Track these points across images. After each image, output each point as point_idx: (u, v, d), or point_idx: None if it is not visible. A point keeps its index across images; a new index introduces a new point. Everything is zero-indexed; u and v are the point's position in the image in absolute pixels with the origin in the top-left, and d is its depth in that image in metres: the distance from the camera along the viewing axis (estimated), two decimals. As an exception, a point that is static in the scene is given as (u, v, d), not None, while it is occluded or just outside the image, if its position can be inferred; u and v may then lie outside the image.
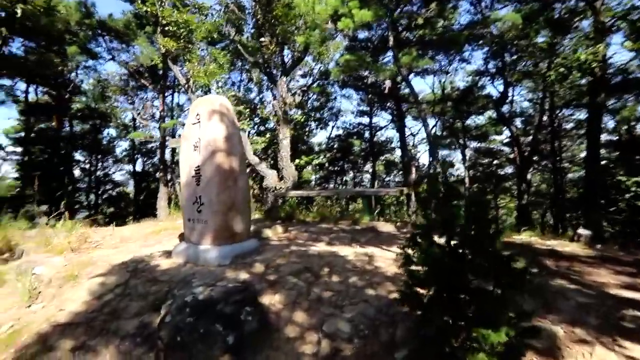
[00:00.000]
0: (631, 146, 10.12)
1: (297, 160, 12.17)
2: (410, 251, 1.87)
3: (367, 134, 21.38)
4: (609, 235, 7.94)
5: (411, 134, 20.71)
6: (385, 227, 5.54)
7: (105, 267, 3.66)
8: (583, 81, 9.37)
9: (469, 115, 17.62)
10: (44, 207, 13.85)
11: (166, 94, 13.53)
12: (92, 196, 17.15)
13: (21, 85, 11.37)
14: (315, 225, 5.81)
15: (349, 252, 3.83)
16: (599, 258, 3.67)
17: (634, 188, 7.54)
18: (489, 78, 14.14)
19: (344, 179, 26.70)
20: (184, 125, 4.69)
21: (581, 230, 4.57)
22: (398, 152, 20.28)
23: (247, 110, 10.85)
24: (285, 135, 9.52)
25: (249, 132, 13.25)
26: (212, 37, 10.34)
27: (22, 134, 12.56)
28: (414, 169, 16.08)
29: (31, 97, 11.74)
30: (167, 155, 12.15)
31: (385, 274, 3.15)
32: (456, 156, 22.94)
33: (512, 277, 1.56)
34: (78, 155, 16.50)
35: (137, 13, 9.66)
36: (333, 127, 20.48)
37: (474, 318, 1.60)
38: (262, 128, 14.33)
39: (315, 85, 15.99)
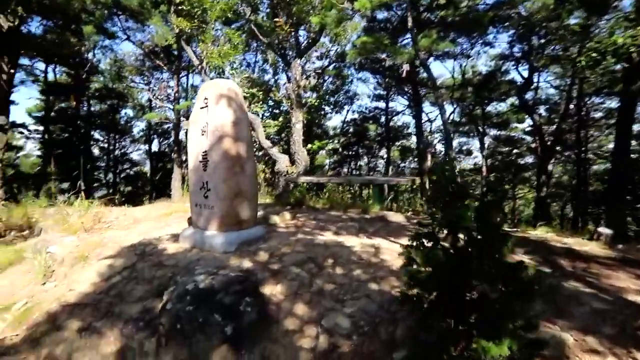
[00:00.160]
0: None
1: (309, 145, 12.06)
2: (413, 251, 1.78)
3: (383, 119, 20.96)
4: (633, 234, 7.58)
5: (428, 120, 20.16)
6: (395, 216, 5.43)
7: (115, 248, 3.74)
8: (617, 67, 8.75)
9: (490, 101, 16.95)
10: (65, 185, 14.37)
11: (181, 75, 13.52)
12: (110, 175, 17.64)
13: (40, 65, 11.67)
14: (325, 213, 5.76)
15: (356, 242, 3.77)
16: (620, 260, 3.47)
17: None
18: (513, 63, 13.43)
19: (359, 163, 26.46)
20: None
21: (602, 229, 4.35)
22: (414, 138, 19.82)
23: (261, 92, 10.71)
24: (298, 119, 9.40)
25: (262, 115, 13.18)
26: (227, 17, 10.13)
27: (43, 113, 12.89)
28: (429, 156, 15.71)
29: (50, 76, 12.03)
30: (182, 137, 12.24)
31: (391, 267, 3.08)
32: (474, 144, 22.28)
33: (520, 286, 1.45)
34: (97, 135, 16.92)
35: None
36: (348, 110, 20.12)
37: (476, 326, 1.52)
38: (276, 111, 14.21)
39: (331, 67, 15.63)
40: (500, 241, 1.46)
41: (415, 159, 20.69)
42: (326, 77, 16.73)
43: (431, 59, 14.44)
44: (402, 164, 25.26)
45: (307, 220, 5.01)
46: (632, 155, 9.36)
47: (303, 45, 10.33)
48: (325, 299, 2.60)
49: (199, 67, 8.76)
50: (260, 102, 10.95)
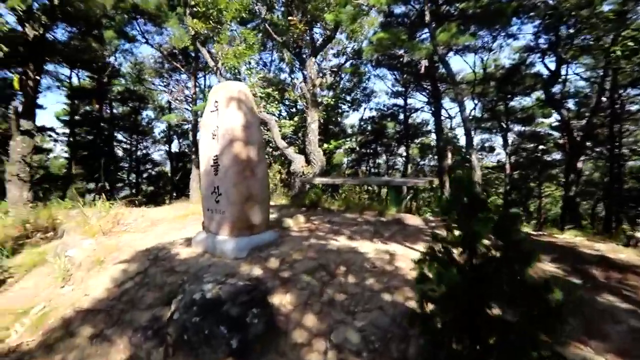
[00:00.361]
0: None
1: (326, 145, 11.95)
2: (426, 267, 1.64)
3: (401, 116, 20.55)
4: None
5: (448, 116, 19.59)
6: (413, 219, 5.25)
7: (130, 253, 3.78)
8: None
9: (514, 96, 16.24)
10: (91, 185, 14.94)
11: (199, 76, 13.72)
12: (133, 175, 18.19)
13: (65, 71, 12.13)
14: (340, 215, 5.65)
15: (370, 248, 3.64)
16: (660, 270, 3.18)
17: None
18: (539, 55, 12.74)
19: (377, 162, 26.11)
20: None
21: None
22: (434, 136, 19.32)
23: (276, 92, 10.68)
24: (313, 119, 9.30)
25: (278, 115, 13.17)
26: (243, 17, 10.16)
27: (69, 116, 13.43)
28: (449, 154, 15.26)
29: (75, 81, 12.50)
30: (199, 137, 12.41)
31: (405, 276, 2.94)
32: (497, 140, 21.50)
33: (546, 311, 1.30)
34: (120, 136, 17.48)
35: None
36: (365, 108, 19.85)
37: (495, 350, 1.38)
38: (293, 110, 14.17)
39: (347, 65, 15.42)
40: (522, 260, 1.30)
41: (435, 157, 20.18)
42: (343, 75, 16.55)
43: (451, 53, 13.99)
44: (422, 162, 24.72)
45: (321, 224, 4.92)
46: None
47: (318, 43, 10.20)
48: (335, 311, 2.50)
49: (215, 67, 8.81)
50: (276, 102, 10.93)
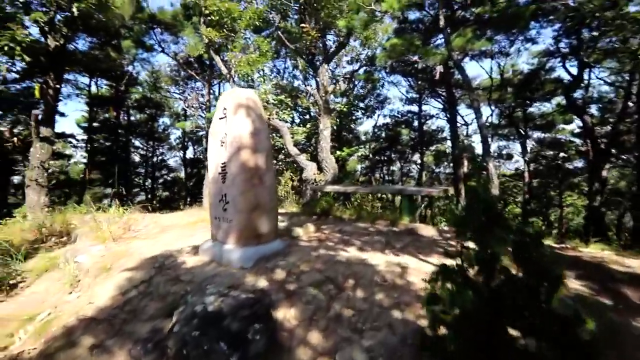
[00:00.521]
0: None
1: (338, 152, 11.85)
2: (438, 287, 1.50)
3: (416, 123, 20.28)
4: None
5: (464, 123, 19.20)
6: (426, 230, 5.06)
7: (137, 260, 3.76)
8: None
9: (533, 102, 15.77)
10: (108, 190, 15.29)
11: (213, 84, 13.92)
12: (149, 181, 18.55)
13: (85, 80, 12.55)
14: (351, 224, 5.51)
15: (381, 260, 3.49)
16: (700, 290, 2.90)
17: None
18: (559, 59, 12.34)
19: (391, 169, 25.81)
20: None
21: (675, 250, 3.71)
22: (449, 143, 18.95)
23: (289, 99, 10.69)
24: (325, 126, 9.23)
25: (291, 122, 13.18)
26: (257, 25, 10.28)
27: (88, 124, 13.86)
28: (465, 162, 14.90)
29: (94, 89, 12.90)
30: (212, 144, 12.52)
31: (417, 292, 2.78)
32: (515, 147, 20.91)
33: (575, 346, 1.14)
34: (137, 143, 17.90)
35: (185, 4, 9.90)
36: (379, 115, 19.70)
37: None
38: (306, 117, 14.17)
39: (361, 71, 15.36)
40: (549, 287, 1.15)
41: (451, 164, 19.77)
42: (356, 82, 16.50)
43: (466, 59, 13.74)
44: (437, 170, 24.29)
45: (332, 233, 4.79)
46: None
47: (331, 50, 10.18)
48: (342, 327, 2.37)
49: (228, 75, 8.89)
50: (289, 109, 10.93)
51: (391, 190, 6.99)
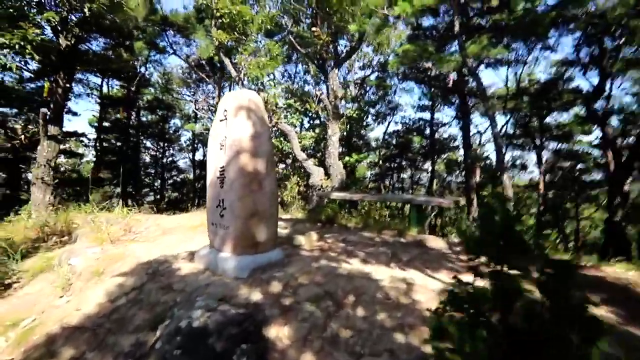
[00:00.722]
0: None
1: (347, 158, 11.65)
2: (445, 320, 1.29)
3: (427, 131, 19.92)
4: None
5: (478, 132, 18.76)
6: (435, 242, 4.81)
7: (131, 264, 3.62)
8: None
9: (550, 112, 15.29)
10: (117, 189, 15.40)
11: (224, 86, 13.94)
12: (159, 181, 18.67)
13: (97, 79, 12.75)
14: (356, 233, 5.30)
15: (385, 275, 3.27)
16: None
17: None
18: (579, 68, 11.92)
19: (401, 176, 25.41)
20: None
21: None
22: (461, 151, 18.53)
23: (298, 103, 10.57)
24: (334, 131, 9.06)
25: (300, 126, 13.07)
26: (269, 29, 10.24)
27: (98, 124, 14.04)
28: (478, 171, 14.50)
29: (106, 89, 13.08)
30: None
31: (422, 312, 2.55)
32: (530, 158, 20.31)
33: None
34: (148, 143, 18.06)
35: (198, 7, 9.94)
36: (390, 122, 19.42)
37: None
38: (317, 121, 14.05)
39: (373, 77, 15.19)
40: (585, 334, 0.93)
41: (462, 173, 19.32)
42: (368, 88, 16.33)
43: (482, 66, 13.40)
44: (449, 178, 23.78)
45: (335, 242, 4.59)
46: None
47: (342, 55, 10.05)
48: (338, 351, 2.16)
49: (237, 78, 8.83)
50: (297, 113, 10.81)
51: (399, 200, 6.74)
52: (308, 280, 3.06)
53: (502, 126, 16.07)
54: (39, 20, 5.99)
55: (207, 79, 12.61)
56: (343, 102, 14.15)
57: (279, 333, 2.31)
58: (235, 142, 3.29)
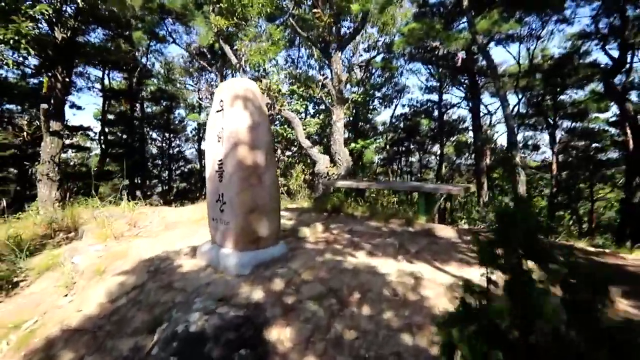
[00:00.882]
0: None
1: (353, 144, 11.41)
2: (455, 334, 1.15)
3: (436, 113, 19.45)
4: None
5: (488, 112, 18.21)
6: (445, 231, 4.65)
7: (133, 262, 3.57)
8: None
9: (564, 89, 14.68)
10: (126, 182, 15.52)
11: (227, 74, 13.69)
12: (166, 172, 18.76)
13: (97, 72, 12.65)
14: (363, 223, 5.16)
15: (392, 268, 3.14)
16: None
17: None
18: (597, 41, 11.27)
19: (410, 160, 25.07)
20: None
21: None
22: (471, 133, 18.07)
23: (302, 89, 10.31)
24: (339, 117, 8.82)
25: (305, 113, 12.82)
26: (269, 12, 9.89)
27: (102, 116, 14.02)
28: (488, 153, 14.13)
29: (109, 82, 12.97)
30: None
31: (431, 310, 2.43)
32: (542, 137, 19.74)
33: None
34: (154, 134, 18.05)
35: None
36: (397, 105, 18.98)
37: None
38: (322, 107, 13.77)
39: (378, 59, 14.72)
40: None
41: (472, 156, 18.90)
42: (373, 70, 15.88)
43: (492, 43, 12.82)
44: (458, 160, 23.35)
45: (341, 233, 4.47)
46: None
47: (345, 37, 9.68)
48: (342, 354, 2.05)
49: (238, 65, 8.60)
50: (301, 99, 10.56)
51: (407, 188, 6.55)
52: (312, 276, 2.95)
53: (514, 106, 15.53)
54: (32, 13, 5.80)
55: (208, 68, 12.38)
56: (348, 86, 13.79)
57: (280, 335, 2.21)
58: (232, 133, 3.15)
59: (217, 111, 3.37)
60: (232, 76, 15.00)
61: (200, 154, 18.22)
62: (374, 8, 7.89)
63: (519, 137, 18.69)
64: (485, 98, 18.29)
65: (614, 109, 13.12)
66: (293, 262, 3.25)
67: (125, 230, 4.98)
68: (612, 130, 15.97)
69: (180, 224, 5.57)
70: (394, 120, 19.94)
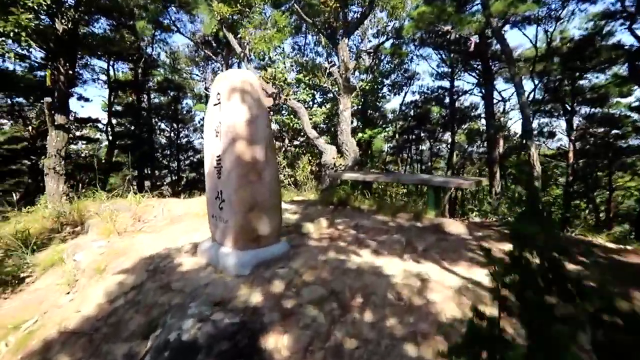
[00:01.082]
0: None
1: (360, 134, 11.16)
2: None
3: (447, 100, 18.89)
4: None
5: (501, 99, 17.58)
6: (454, 226, 4.46)
7: (134, 260, 3.52)
8: None
9: (584, 73, 13.99)
10: (135, 173, 15.67)
11: (234, 63, 13.49)
12: (175, 163, 18.85)
13: (102, 64, 12.61)
14: (369, 217, 5.01)
15: (398, 269, 3.01)
16: None
17: None
18: (622, 21, 10.57)
19: (420, 148, 24.62)
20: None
21: None
22: (484, 121, 17.51)
23: (308, 77, 10.05)
24: (346, 106, 8.58)
25: (312, 102, 12.57)
26: (275, -1, 9.61)
27: (108, 108, 14.04)
28: (501, 141, 13.69)
29: (114, 74, 12.99)
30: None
31: (438, 316, 2.29)
32: (558, 124, 19.01)
33: None
34: (163, 125, 18.07)
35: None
36: (407, 92, 18.47)
37: None
38: (330, 95, 13.49)
39: (388, 45, 14.27)
40: None
41: (484, 144, 18.38)
42: (382, 57, 15.42)
43: (507, 26, 12.23)
44: (470, 149, 22.79)
45: (346, 229, 4.33)
46: None
47: (353, 22, 9.33)
48: (342, 365, 1.94)
49: (242, 54, 8.39)
50: (308, 88, 10.32)
51: (415, 181, 6.34)
52: (313, 277, 2.84)
53: (530, 92, 14.94)
54: (31, 4, 5.69)
55: (213, 57, 12.19)
56: (357, 73, 13.44)
57: (277, 343, 2.11)
58: (230, 128, 3.01)
59: (215, 104, 3.23)
60: (238, 65, 14.79)
61: (208, 144, 18.20)
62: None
63: (534, 124, 18.08)
64: (499, 84, 17.75)
65: (638, 92, 12.47)
66: (294, 262, 3.14)
67: (130, 225, 4.95)
68: (635, 115, 15.24)
69: (184, 218, 5.51)
70: (403, 107, 19.47)
